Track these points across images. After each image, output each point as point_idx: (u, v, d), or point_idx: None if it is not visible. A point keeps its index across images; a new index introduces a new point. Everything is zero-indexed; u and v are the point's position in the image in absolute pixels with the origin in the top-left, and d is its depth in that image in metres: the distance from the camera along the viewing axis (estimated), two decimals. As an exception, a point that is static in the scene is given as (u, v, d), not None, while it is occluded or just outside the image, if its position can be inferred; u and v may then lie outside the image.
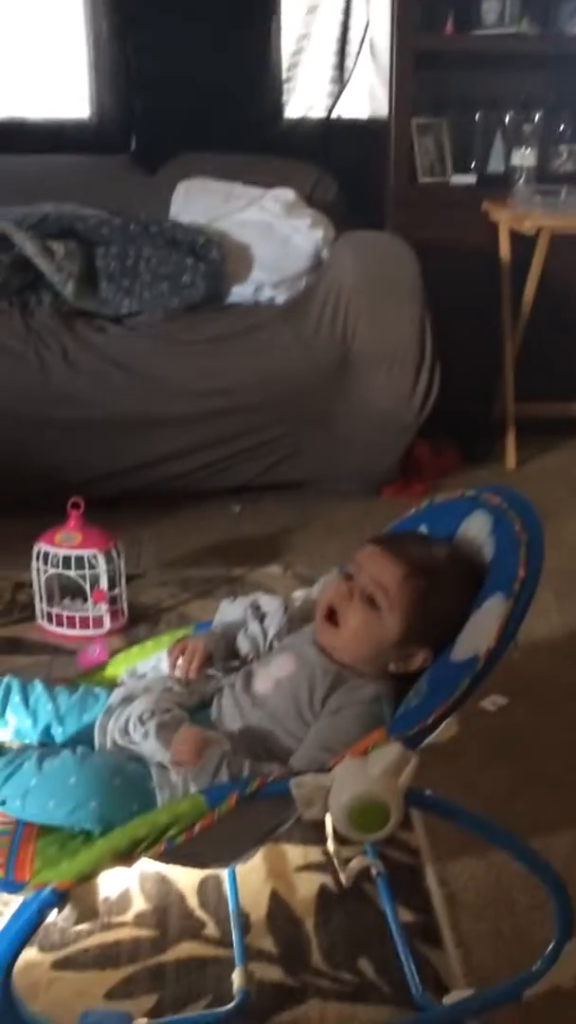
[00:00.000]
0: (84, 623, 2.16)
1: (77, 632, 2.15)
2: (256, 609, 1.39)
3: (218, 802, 1.09)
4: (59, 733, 1.32)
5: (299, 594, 1.47)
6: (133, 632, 2.18)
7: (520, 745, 1.80)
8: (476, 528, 1.28)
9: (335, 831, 1.48)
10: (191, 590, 2.38)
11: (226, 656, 1.36)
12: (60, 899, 1.09)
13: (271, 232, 2.93)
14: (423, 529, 1.38)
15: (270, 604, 1.39)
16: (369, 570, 1.24)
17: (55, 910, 1.10)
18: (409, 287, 2.68)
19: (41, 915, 1.08)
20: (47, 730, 1.33)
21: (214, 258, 2.81)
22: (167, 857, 1.14)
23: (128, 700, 1.29)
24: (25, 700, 1.33)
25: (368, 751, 1.09)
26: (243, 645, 1.36)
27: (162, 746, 1.20)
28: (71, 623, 2.16)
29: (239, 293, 2.89)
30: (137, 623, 2.22)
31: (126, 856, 1.09)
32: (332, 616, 1.26)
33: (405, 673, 1.22)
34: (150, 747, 1.21)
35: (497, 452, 3.27)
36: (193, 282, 2.77)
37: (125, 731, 1.26)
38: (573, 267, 3.21)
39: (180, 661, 1.35)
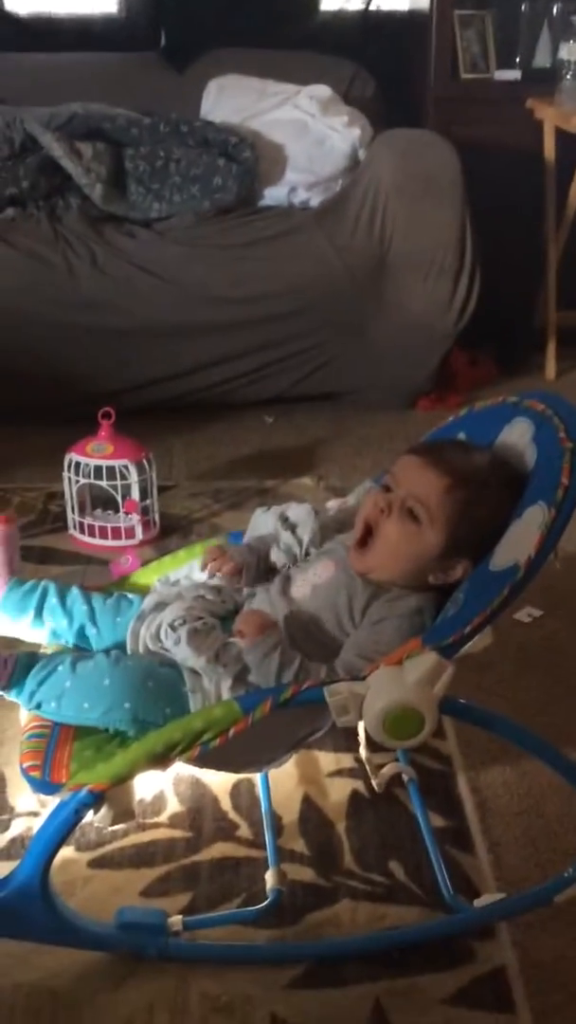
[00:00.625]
0: (116, 533, 2.15)
1: (109, 542, 2.15)
2: (285, 520, 1.36)
3: (252, 708, 1.09)
4: (93, 635, 1.33)
5: (333, 504, 1.45)
6: (165, 543, 2.18)
7: (554, 657, 1.79)
8: (517, 435, 1.24)
9: (368, 738, 1.48)
10: (222, 501, 2.36)
11: (260, 572, 1.34)
12: (96, 800, 1.10)
13: (306, 131, 2.83)
14: (461, 436, 1.34)
15: (299, 512, 1.36)
16: (408, 483, 1.21)
17: (91, 811, 1.11)
18: (450, 188, 2.58)
19: (78, 815, 1.10)
20: (81, 631, 1.33)
21: (247, 159, 2.71)
22: (201, 761, 1.14)
23: (160, 607, 1.29)
24: (62, 602, 1.33)
25: (404, 660, 1.08)
26: (279, 558, 1.34)
27: (194, 652, 1.20)
28: (103, 533, 2.16)
29: (272, 195, 2.80)
30: (168, 534, 2.22)
31: (161, 759, 1.10)
32: (364, 540, 1.22)
33: (445, 584, 1.20)
34: (182, 653, 1.21)
35: (536, 362, 3.19)
36: (225, 184, 2.69)
37: (157, 637, 1.26)
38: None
39: (211, 565, 1.34)
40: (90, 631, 1.33)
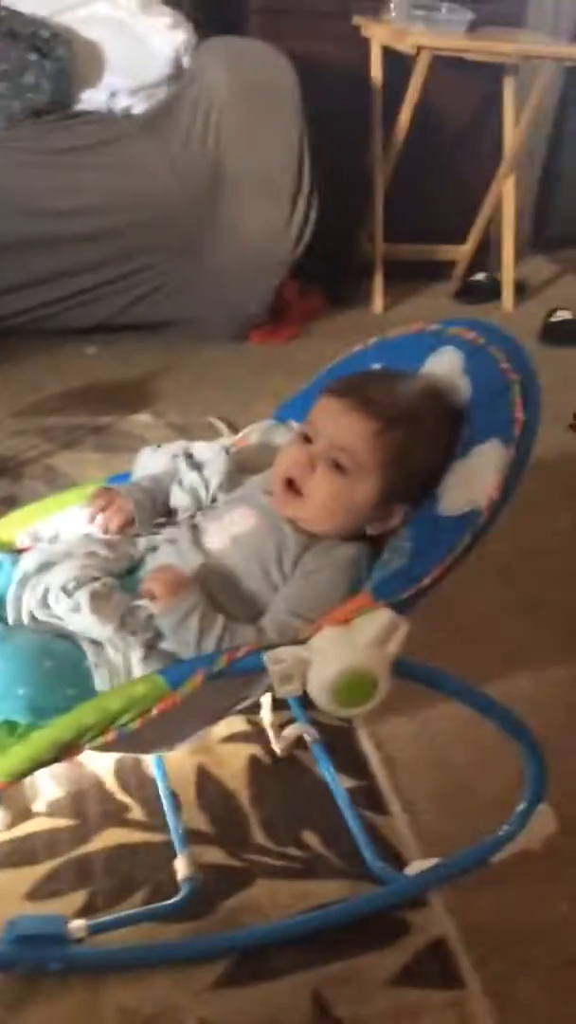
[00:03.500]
0: None
1: None
2: (190, 458, 1.20)
3: (181, 681, 0.94)
4: None
5: (225, 442, 1.29)
6: (-6, 488, 1.94)
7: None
8: (445, 366, 1.12)
9: (274, 700, 1.36)
10: (55, 440, 2.13)
11: (156, 512, 1.17)
12: (-10, 802, 0.91)
13: (124, 30, 2.56)
14: (375, 367, 1.21)
15: (207, 451, 1.20)
16: (329, 432, 1.06)
17: (-17, 815, 0.93)
18: (287, 103, 2.42)
19: (-32, 822, 0.91)
20: None
21: (62, 55, 2.43)
22: (114, 746, 0.97)
23: (45, 567, 1.09)
24: None
25: (352, 618, 0.96)
26: (180, 499, 1.17)
27: (99, 620, 1.02)
28: None
29: (91, 99, 2.53)
30: (-4, 478, 1.97)
31: (70, 748, 0.93)
32: (292, 484, 1.08)
33: (383, 533, 1.08)
34: (82, 622, 1.03)
35: (363, 296, 3.12)
36: (38, 83, 2.39)
37: (44, 604, 1.06)
38: (450, 93, 3.01)
39: (100, 517, 1.16)
40: None
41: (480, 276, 3.27)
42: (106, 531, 1.15)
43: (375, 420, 1.05)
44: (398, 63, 2.86)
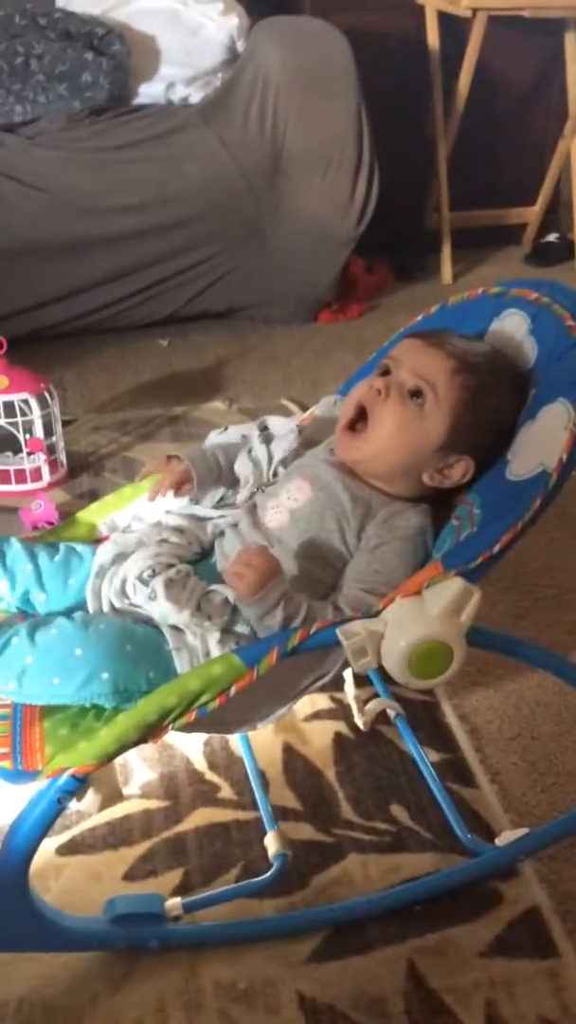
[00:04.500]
0: (20, 477, 1.93)
1: (13, 487, 1.93)
2: (264, 429, 1.20)
3: (257, 660, 0.94)
4: (40, 601, 1.14)
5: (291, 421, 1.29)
6: (76, 483, 1.98)
7: (514, 568, 1.71)
8: (509, 328, 1.11)
9: (355, 675, 1.36)
10: (131, 433, 2.16)
11: (222, 482, 1.18)
12: (80, 785, 0.94)
13: (178, 21, 2.58)
14: (439, 335, 1.20)
15: (282, 427, 1.20)
16: (411, 363, 1.06)
17: (74, 798, 0.95)
18: (343, 77, 2.40)
19: (60, 805, 0.94)
20: (25, 596, 1.14)
21: (117, 51, 2.45)
22: (196, 726, 0.99)
23: (121, 558, 1.12)
24: (2, 558, 1.13)
25: (423, 588, 0.95)
26: (243, 467, 1.18)
27: (174, 606, 1.04)
28: (4, 478, 1.94)
29: (148, 92, 2.55)
30: (77, 473, 2.01)
31: (155, 729, 0.94)
32: (354, 424, 1.08)
33: (438, 488, 1.07)
34: (160, 609, 1.05)
35: (431, 267, 3.08)
36: (96, 81, 2.42)
37: (123, 593, 1.09)
38: (510, 54, 2.95)
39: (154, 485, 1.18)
40: (35, 597, 1.14)
41: (552, 237, 3.20)
42: (156, 495, 1.17)
43: (454, 359, 1.05)
44: (454, 28, 2.81)
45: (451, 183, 3.00)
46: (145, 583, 1.06)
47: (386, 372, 1.08)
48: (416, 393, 1.05)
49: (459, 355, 1.05)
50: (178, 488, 1.19)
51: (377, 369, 1.10)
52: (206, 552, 1.17)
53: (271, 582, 0.99)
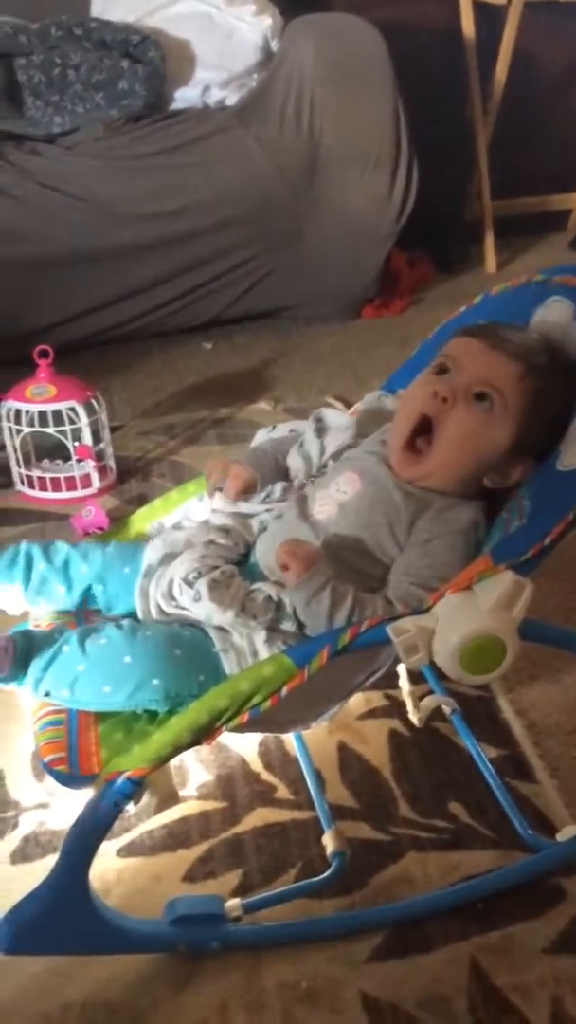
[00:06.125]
0: (70, 484, 1.95)
1: (64, 495, 1.95)
2: (319, 421, 1.19)
3: (307, 659, 0.94)
4: (99, 594, 1.15)
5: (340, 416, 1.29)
6: (125, 489, 1.99)
7: (567, 559, 1.68)
8: (555, 316, 1.09)
9: (410, 671, 1.35)
10: (178, 437, 2.18)
11: (278, 473, 1.18)
12: (136, 788, 0.95)
13: (212, 24, 2.58)
14: (482, 325, 1.18)
15: (339, 419, 1.19)
16: (473, 367, 1.04)
17: (131, 801, 0.96)
18: (379, 72, 2.38)
19: (117, 808, 0.95)
20: (87, 592, 1.15)
21: (153, 58, 2.46)
22: (248, 726, 0.99)
23: (168, 558, 1.12)
24: (52, 564, 1.14)
25: (473, 583, 0.94)
26: (294, 461, 1.17)
27: (219, 608, 1.04)
28: (55, 486, 1.96)
29: (185, 97, 2.56)
30: (126, 479, 2.03)
31: (208, 731, 0.95)
32: (414, 441, 1.06)
33: (499, 489, 1.06)
34: (205, 610, 1.05)
35: (474, 257, 3.05)
36: (132, 88, 2.44)
37: (170, 595, 1.09)
38: (546, 40, 2.91)
39: (214, 480, 1.18)
40: (96, 589, 1.15)
41: (597, 222, 3.15)
42: (229, 497, 1.17)
43: (519, 363, 1.03)
44: (489, 16, 2.78)
45: (492, 171, 2.97)
46: (190, 585, 1.06)
47: (442, 370, 1.06)
48: (481, 397, 1.03)
49: (522, 357, 1.03)
50: (244, 492, 1.18)
51: (432, 367, 1.08)
52: (249, 550, 1.17)
53: (313, 567, 1.00)
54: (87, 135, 2.42)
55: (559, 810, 1.21)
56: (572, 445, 0.98)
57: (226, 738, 1.32)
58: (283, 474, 1.19)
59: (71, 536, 1.79)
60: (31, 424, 1.90)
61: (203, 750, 1.32)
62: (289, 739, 1.32)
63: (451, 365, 1.05)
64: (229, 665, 1.03)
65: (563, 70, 3.04)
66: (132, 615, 1.11)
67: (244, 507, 1.19)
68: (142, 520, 1.29)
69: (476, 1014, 0.99)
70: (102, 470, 1.97)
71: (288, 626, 1.04)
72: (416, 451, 1.06)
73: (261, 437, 1.26)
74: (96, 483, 1.95)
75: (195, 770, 1.30)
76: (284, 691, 0.94)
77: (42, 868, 1.07)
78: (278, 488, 1.18)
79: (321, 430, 1.18)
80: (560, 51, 3.01)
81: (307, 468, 1.16)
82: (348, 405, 2.18)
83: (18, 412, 1.90)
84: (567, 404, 1.01)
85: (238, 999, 1.02)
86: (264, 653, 1.02)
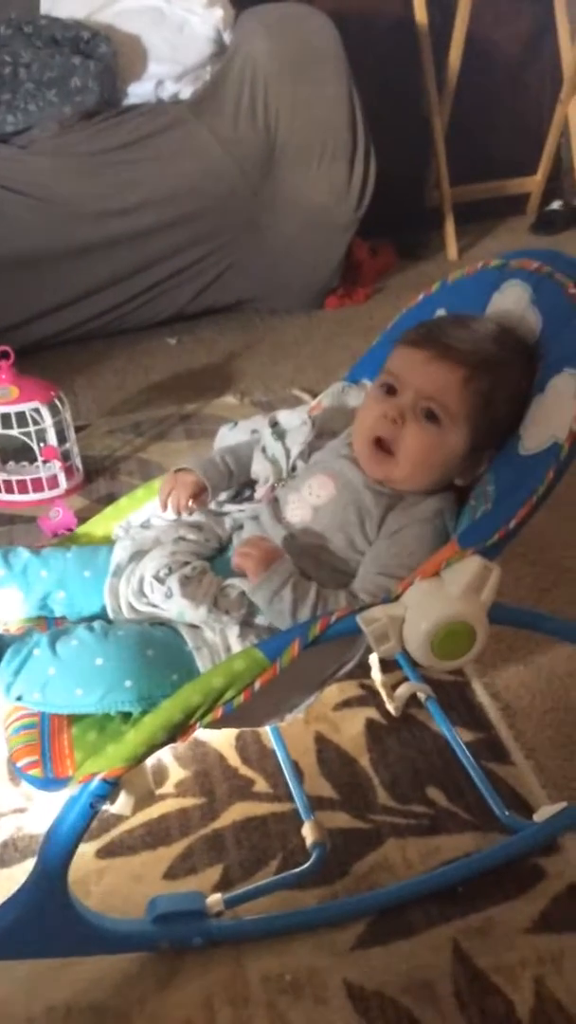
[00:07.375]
0: (37, 486, 1.94)
1: (30, 496, 1.94)
2: (275, 425, 1.19)
3: (278, 652, 0.94)
4: (60, 601, 1.14)
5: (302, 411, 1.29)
6: (93, 488, 1.99)
7: (535, 543, 1.69)
8: (512, 301, 1.09)
9: (381, 661, 1.36)
10: (145, 434, 2.17)
11: (232, 478, 1.18)
12: (112, 788, 0.94)
13: (162, 18, 2.57)
14: (441, 312, 1.19)
15: (293, 419, 1.19)
16: (416, 382, 1.04)
17: (107, 802, 0.95)
18: (332, 62, 2.38)
19: (93, 809, 0.94)
20: (43, 602, 1.14)
21: (104, 54, 2.44)
22: (223, 722, 0.99)
23: (138, 556, 1.12)
24: (11, 569, 1.13)
25: (441, 569, 0.95)
26: (261, 467, 1.17)
27: (191, 604, 1.03)
28: (21, 488, 1.94)
29: (138, 92, 2.54)
30: (94, 478, 2.02)
31: (182, 729, 0.94)
32: (381, 444, 1.06)
33: (470, 483, 1.06)
34: (176, 607, 1.04)
35: (434, 244, 3.06)
36: (85, 85, 2.42)
37: (140, 593, 1.08)
38: (499, 24, 2.91)
39: (170, 500, 1.17)
40: (56, 598, 1.14)
41: (556, 205, 3.17)
42: (179, 511, 1.16)
43: (461, 368, 1.02)
44: (442, 3, 2.78)
45: (449, 158, 2.98)
46: (161, 581, 1.05)
47: (391, 390, 1.06)
48: (429, 415, 1.03)
49: (464, 359, 1.02)
50: (194, 499, 1.18)
51: (379, 386, 1.08)
52: (224, 547, 1.16)
53: (273, 564, 1.00)
54: (41, 133, 2.39)
55: (536, 790, 1.22)
56: (529, 428, 0.99)
57: (202, 734, 1.32)
58: (241, 479, 1.19)
59: (39, 538, 1.78)
60: (-6, 427, 1.89)
61: (180, 747, 1.31)
62: (266, 732, 1.32)
63: (395, 383, 1.05)
64: (202, 662, 1.03)
65: (517, 54, 3.05)
66: (96, 619, 1.10)
67: (214, 506, 1.19)
68: (108, 519, 1.28)
69: (461, 998, 1.00)
70: (69, 470, 1.95)
71: (262, 621, 1.04)
72: (384, 450, 1.06)
73: (223, 433, 1.25)
74: (63, 484, 1.94)
75: (173, 767, 1.29)
76: (257, 685, 0.94)
77: (21, 873, 1.06)
78: (247, 492, 1.18)
79: (280, 433, 1.18)
80: (513, 34, 3.02)
81: (276, 471, 1.16)
82: (314, 396, 2.18)
83: (-20, 415, 1.89)
84: (522, 390, 1.02)
85: (222, 993, 1.02)
86: (237, 648, 1.02)
